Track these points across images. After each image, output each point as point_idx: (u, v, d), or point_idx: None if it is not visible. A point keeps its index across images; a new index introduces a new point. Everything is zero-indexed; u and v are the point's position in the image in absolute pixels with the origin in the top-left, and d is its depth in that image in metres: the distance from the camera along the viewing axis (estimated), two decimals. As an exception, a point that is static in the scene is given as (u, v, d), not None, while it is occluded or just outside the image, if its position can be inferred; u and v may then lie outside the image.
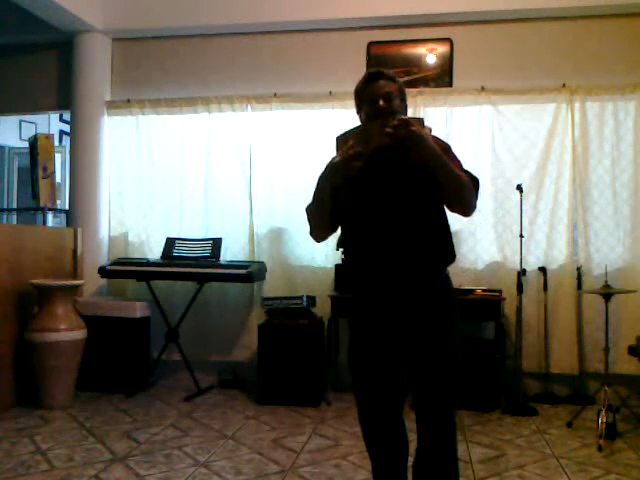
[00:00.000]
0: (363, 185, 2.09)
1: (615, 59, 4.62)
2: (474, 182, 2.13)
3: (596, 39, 4.67)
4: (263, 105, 4.97)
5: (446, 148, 2.12)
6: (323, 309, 4.60)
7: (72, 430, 3.74)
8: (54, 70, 5.51)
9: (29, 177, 5.15)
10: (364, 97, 2.16)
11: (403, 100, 2.18)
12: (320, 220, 2.17)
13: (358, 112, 2.20)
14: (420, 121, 2.01)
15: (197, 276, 4.63)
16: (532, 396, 4.49)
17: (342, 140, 2.03)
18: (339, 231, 2.26)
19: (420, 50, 4.90)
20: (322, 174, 2.09)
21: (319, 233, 2.24)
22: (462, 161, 2.15)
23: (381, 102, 2.09)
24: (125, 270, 4.73)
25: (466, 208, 2.12)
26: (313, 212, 2.19)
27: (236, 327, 4.99)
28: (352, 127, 2.10)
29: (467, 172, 2.13)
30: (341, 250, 4.57)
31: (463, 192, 2.06)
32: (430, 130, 2.05)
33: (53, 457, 3.25)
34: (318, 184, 2.14)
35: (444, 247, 2.15)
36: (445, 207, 2.14)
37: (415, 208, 2.08)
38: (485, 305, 4.26)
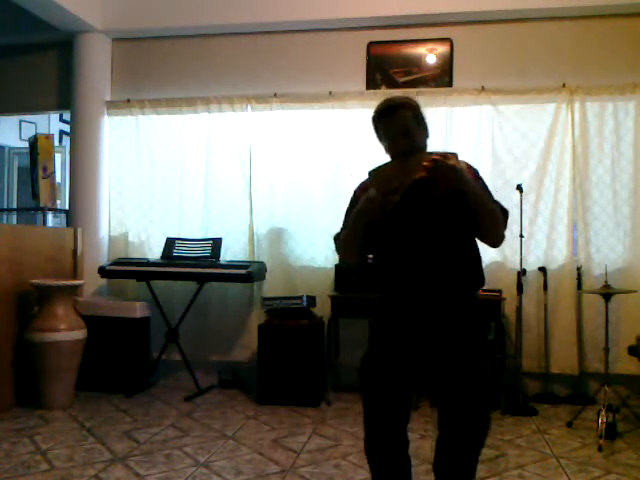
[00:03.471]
0: (397, 215, 2.10)
1: (615, 59, 4.62)
2: (504, 213, 2.19)
3: (596, 39, 4.66)
4: (263, 105, 4.97)
5: (476, 174, 2.15)
6: (323, 309, 4.59)
7: (72, 430, 3.74)
8: (54, 70, 5.51)
9: (29, 177, 5.15)
10: (381, 132, 2.15)
11: (420, 123, 2.14)
12: (353, 248, 2.23)
13: (380, 142, 2.19)
14: (454, 155, 2.02)
15: (197, 276, 4.63)
16: (532, 396, 4.49)
17: (375, 173, 2.05)
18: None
19: (420, 50, 4.90)
20: (357, 207, 2.12)
21: (350, 258, 2.35)
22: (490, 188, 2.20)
23: (401, 141, 2.07)
24: (125, 270, 4.73)
25: (495, 239, 2.18)
26: (345, 241, 2.23)
27: (236, 327, 4.99)
28: (384, 162, 2.09)
29: (497, 202, 2.17)
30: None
31: (494, 223, 2.12)
32: (467, 165, 2.09)
33: (53, 457, 3.25)
34: (348, 214, 2.22)
35: (473, 272, 2.19)
36: (475, 236, 2.19)
37: (445, 236, 2.12)
38: (485, 305, 4.24)
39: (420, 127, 2.13)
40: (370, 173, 2.06)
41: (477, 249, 2.21)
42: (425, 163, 1.93)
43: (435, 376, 2.16)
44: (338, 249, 2.30)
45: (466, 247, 2.17)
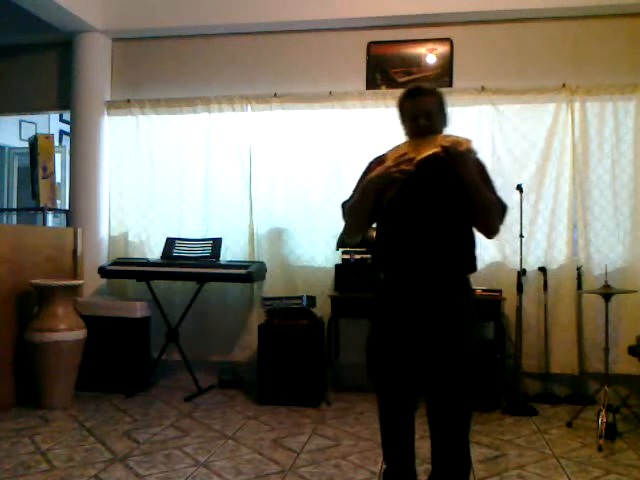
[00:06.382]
0: (408, 190, 2.18)
1: (615, 59, 4.62)
2: (502, 207, 2.29)
3: (596, 39, 4.67)
4: (263, 105, 4.97)
5: (482, 168, 2.26)
6: (323, 309, 4.59)
7: (72, 430, 3.74)
8: (54, 70, 5.51)
9: (29, 177, 5.15)
10: (405, 113, 2.26)
11: (442, 111, 2.27)
12: (358, 216, 2.28)
13: (402, 123, 2.31)
14: (468, 141, 2.16)
15: (197, 276, 4.63)
16: (532, 396, 4.49)
17: (393, 149, 2.20)
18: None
19: (420, 50, 4.90)
20: (371, 175, 2.20)
21: (354, 229, 2.35)
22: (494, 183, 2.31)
23: (422, 121, 2.20)
24: (125, 270, 4.72)
25: (489, 230, 2.28)
26: (353, 208, 2.28)
27: (236, 327, 4.99)
28: (402, 142, 2.26)
29: (497, 197, 2.27)
30: (341, 250, 4.58)
31: (490, 215, 2.23)
32: (476, 153, 2.19)
33: (53, 457, 3.25)
34: (361, 182, 2.29)
35: (468, 257, 2.28)
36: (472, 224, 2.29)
37: (447, 216, 2.21)
38: (485, 305, 4.26)
39: (441, 114, 2.27)
40: (388, 152, 2.21)
41: (473, 235, 2.29)
42: (443, 143, 2.09)
43: (425, 357, 2.20)
44: (345, 215, 2.35)
45: (463, 230, 2.26)
